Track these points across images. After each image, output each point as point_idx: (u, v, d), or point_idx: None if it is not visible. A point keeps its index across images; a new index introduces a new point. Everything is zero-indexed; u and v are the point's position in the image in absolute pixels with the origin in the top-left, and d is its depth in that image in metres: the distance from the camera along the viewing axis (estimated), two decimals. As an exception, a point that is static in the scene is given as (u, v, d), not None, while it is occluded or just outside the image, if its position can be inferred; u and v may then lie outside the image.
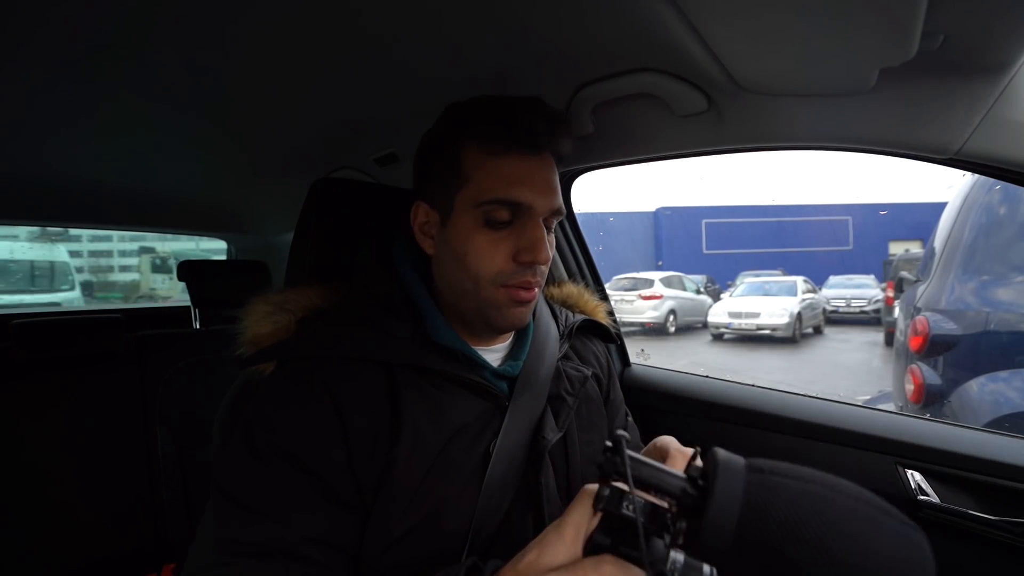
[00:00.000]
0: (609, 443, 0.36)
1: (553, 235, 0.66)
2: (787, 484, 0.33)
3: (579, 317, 0.82)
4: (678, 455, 0.55)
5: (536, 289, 0.63)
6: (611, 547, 0.37)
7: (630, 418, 0.86)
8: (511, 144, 0.60)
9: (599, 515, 0.39)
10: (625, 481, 0.34)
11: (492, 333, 0.67)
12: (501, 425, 0.62)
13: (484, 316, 0.62)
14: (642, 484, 0.35)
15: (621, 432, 0.36)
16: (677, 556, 0.34)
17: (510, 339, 0.71)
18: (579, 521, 0.39)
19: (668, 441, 0.58)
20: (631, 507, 0.35)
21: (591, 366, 0.79)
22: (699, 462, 0.38)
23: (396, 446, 0.56)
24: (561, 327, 0.77)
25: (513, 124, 0.60)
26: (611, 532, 0.38)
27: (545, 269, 0.64)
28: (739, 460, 0.34)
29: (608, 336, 0.87)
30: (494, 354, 0.68)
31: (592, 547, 0.38)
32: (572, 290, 0.90)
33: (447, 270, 0.64)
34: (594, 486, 0.40)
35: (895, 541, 0.32)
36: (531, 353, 0.69)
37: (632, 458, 0.35)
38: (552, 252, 0.65)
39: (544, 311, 0.76)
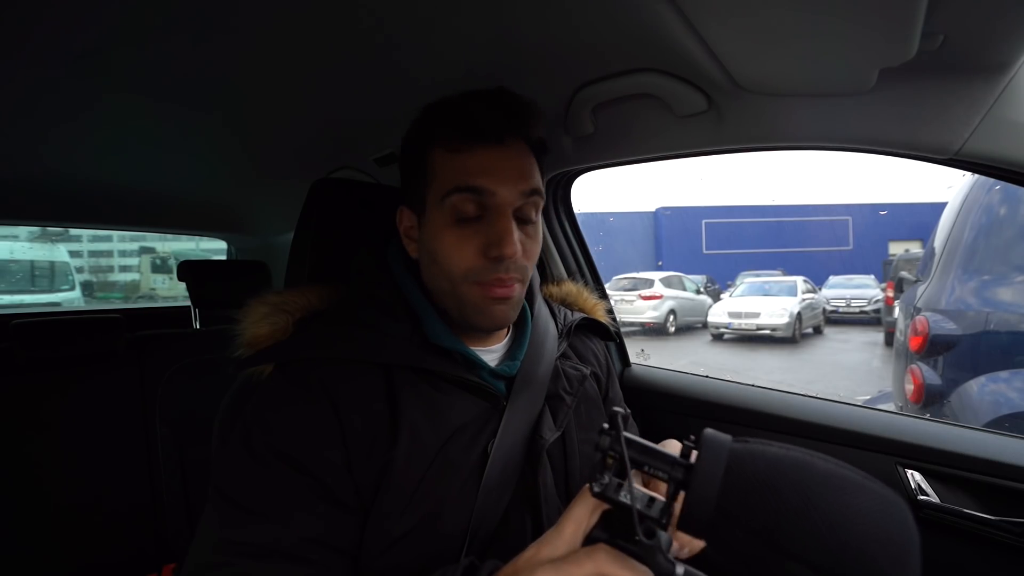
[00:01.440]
0: (606, 424, 0.37)
1: (538, 226, 0.64)
2: (767, 450, 0.34)
3: (578, 315, 0.82)
4: None
5: (516, 285, 0.62)
6: (609, 541, 0.38)
7: (630, 418, 0.86)
8: (472, 140, 0.60)
9: (599, 513, 0.39)
10: (621, 458, 0.36)
11: (478, 333, 0.66)
12: (499, 425, 0.62)
13: (465, 316, 0.62)
14: (636, 462, 0.36)
15: (617, 408, 0.37)
16: (679, 569, 0.35)
17: (508, 338, 0.71)
18: (579, 517, 0.39)
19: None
20: (627, 495, 0.36)
21: (590, 365, 0.79)
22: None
23: (394, 447, 0.56)
24: (560, 326, 0.77)
25: (470, 120, 0.60)
26: (609, 527, 0.39)
27: (524, 264, 0.62)
28: (726, 435, 0.36)
29: (607, 334, 0.87)
30: (492, 354, 0.68)
31: (590, 542, 0.39)
32: (571, 288, 0.90)
33: (427, 272, 0.64)
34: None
35: (874, 502, 0.33)
36: (529, 352, 0.69)
37: (627, 437, 0.36)
38: (535, 245, 0.63)
39: (543, 310, 0.76)
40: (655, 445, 0.38)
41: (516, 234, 0.59)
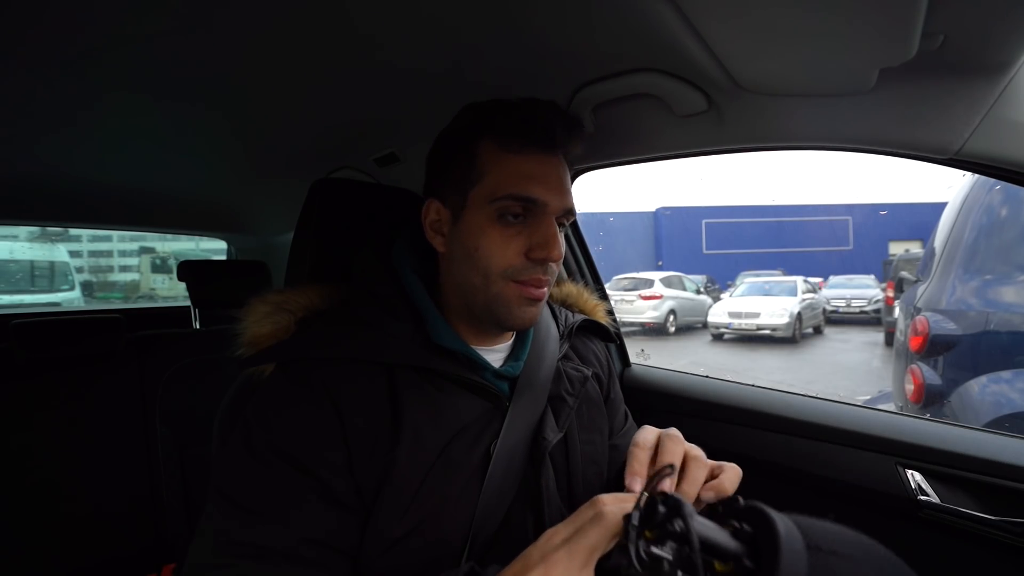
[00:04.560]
0: (663, 505, 0.33)
1: (563, 236, 0.66)
2: (844, 568, 0.33)
3: (579, 317, 0.82)
4: (693, 466, 0.49)
5: (546, 288, 0.63)
6: (628, 569, 0.34)
7: (630, 418, 0.86)
8: (528, 142, 0.61)
9: (615, 540, 0.37)
10: (686, 543, 0.32)
11: (500, 331, 0.67)
12: (502, 426, 0.62)
13: (493, 313, 0.62)
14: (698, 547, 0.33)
15: (677, 495, 0.34)
16: None
17: (511, 340, 0.71)
18: (595, 545, 0.37)
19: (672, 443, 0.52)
20: (662, 548, 0.33)
21: (591, 366, 0.79)
22: (740, 524, 0.36)
23: (396, 447, 0.56)
24: (561, 327, 0.77)
25: (531, 122, 0.61)
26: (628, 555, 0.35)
27: (556, 268, 0.64)
28: (798, 537, 0.33)
29: (608, 335, 0.87)
30: (495, 355, 0.68)
31: (609, 570, 0.36)
32: (572, 289, 0.90)
33: (457, 267, 0.64)
34: (613, 508, 0.37)
35: None
36: (531, 354, 0.69)
37: (695, 522, 0.33)
38: (563, 252, 0.65)
39: (544, 311, 0.76)
40: (716, 527, 0.34)
41: (560, 238, 0.61)
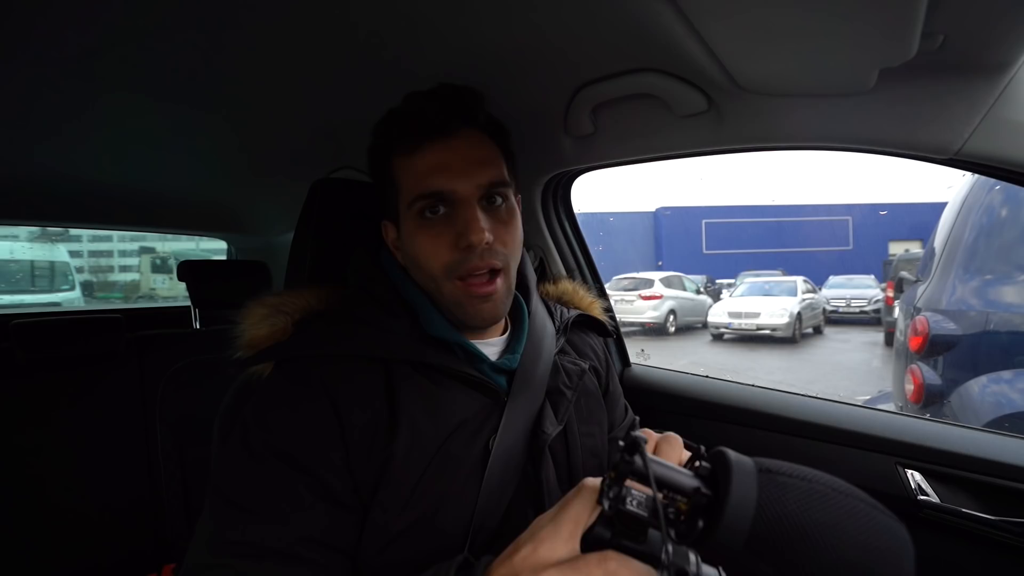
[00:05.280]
0: (622, 443, 0.36)
1: (512, 209, 0.65)
2: (795, 485, 0.35)
3: (574, 312, 0.82)
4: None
5: (497, 281, 0.62)
6: (611, 540, 0.37)
7: (630, 412, 0.86)
8: (417, 138, 0.61)
9: (598, 509, 0.38)
10: (642, 481, 0.35)
11: (472, 329, 0.66)
12: (500, 420, 0.62)
13: (454, 315, 0.63)
14: (657, 484, 0.35)
15: (637, 433, 0.36)
16: (691, 556, 0.35)
17: (506, 333, 0.71)
18: (578, 516, 0.38)
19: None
20: (634, 502, 0.35)
21: (588, 359, 0.79)
22: (698, 462, 0.38)
23: (394, 442, 0.56)
24: (557, 323, 0.77)
25: (408, 118, 0.62)
26: (611, 525, 0.38)
27: (501, 250, 0.62)
28: (749, 462, 0.36)
29: (604, 330, 0.87)
30: (491, 347, 0.68)
31: (592, 540, 0.38)
32: (567, 286, 0.90)
33: (418, 277, 0.65)
34: (594, 481, 0.39)
35: (885, 535, 0.35)
36: (528, 347, 0.69)
37: (651, 459, 0.35)
38: (510, 229, 0.63)
39: (540, 308, 0.76)
40: (675, 466, 0.36)
41: (482, 220, 0.60)
